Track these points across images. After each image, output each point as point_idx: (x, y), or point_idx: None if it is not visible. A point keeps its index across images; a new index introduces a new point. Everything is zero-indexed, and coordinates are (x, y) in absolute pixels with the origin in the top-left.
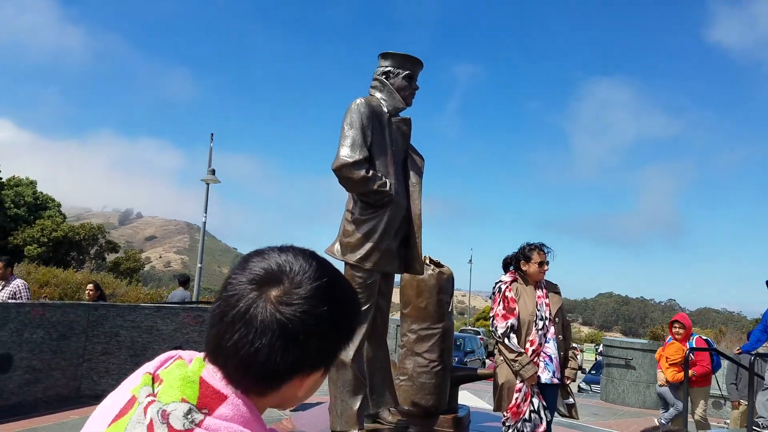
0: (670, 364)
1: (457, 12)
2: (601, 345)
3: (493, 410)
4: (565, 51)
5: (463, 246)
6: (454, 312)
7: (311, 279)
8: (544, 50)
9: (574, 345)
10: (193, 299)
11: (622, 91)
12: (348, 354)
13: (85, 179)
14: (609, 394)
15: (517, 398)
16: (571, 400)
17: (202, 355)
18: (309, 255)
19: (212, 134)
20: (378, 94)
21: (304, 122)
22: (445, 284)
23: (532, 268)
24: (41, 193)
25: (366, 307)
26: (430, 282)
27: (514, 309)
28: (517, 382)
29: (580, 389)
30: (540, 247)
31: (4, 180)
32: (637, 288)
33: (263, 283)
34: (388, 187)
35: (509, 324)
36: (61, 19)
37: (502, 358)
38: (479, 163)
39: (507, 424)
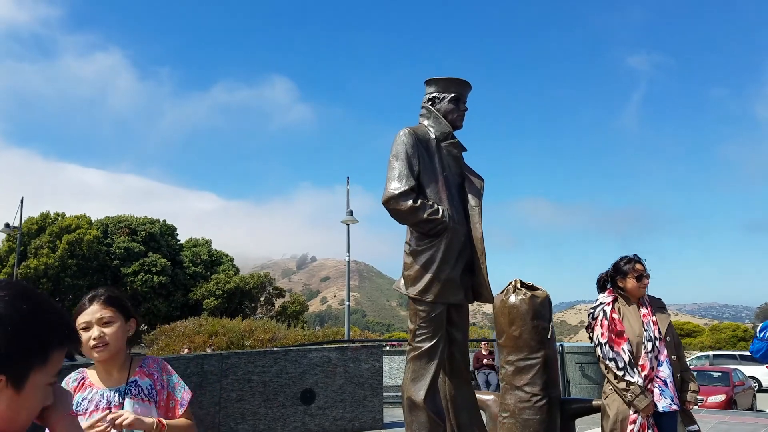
0: None
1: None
2: None
3: None
4: (744, 28)
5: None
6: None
7: None
8: (720, 29)
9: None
10: (344, 336)
11: None
12: (419, 394)
13: (273, 232)
14: None
15: (632, 430)
16: (695, 426)
17: None
18: None
19: (348, 177)
20: (425, 122)
21: (478, 157)
22: (540, 309)
23: (630, 283)
24: (215, 250)
25: (434, 342)
26: (522, 308)
27: (623, 332)
28: (631, 413)
29: None
30: (637, 260)
31: (182, 242)
32: None
33: None
34: (440, 215)
35: (621, 349)
36: (300, 99)
37: (611, 387)
38: (662, 163)
39: None
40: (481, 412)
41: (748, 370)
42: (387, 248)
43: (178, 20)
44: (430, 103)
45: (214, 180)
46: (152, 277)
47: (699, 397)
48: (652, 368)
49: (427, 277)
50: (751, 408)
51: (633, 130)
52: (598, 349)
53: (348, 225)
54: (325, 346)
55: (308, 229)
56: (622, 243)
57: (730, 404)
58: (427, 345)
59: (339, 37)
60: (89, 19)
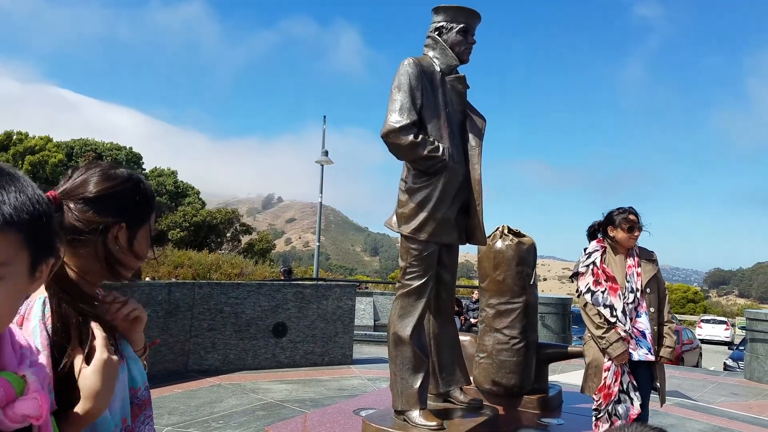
0: None
1: None
2: (744, 318)
3: (580, 391)
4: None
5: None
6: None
7: None
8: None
9: (674, 319)
10: (313, 274)
11: None
12: (406, 330)
13: (248, 171)
14: (753, 372)
15: (606, 378)
16: (657, 384)
17: None
18: None
19: (324, 116)
20: (431, 53)
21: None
22: (525, 255)
23: (620, 234)
24: (182, 182)
25: (423, 280)
26: (507, 253)
27: (606, 280)
28: (605, 360)
29: (726, 367)
30: (630, 211)
31: (147, 171)
32: None
33: None
34: (440, 152)
35: (617, 296)
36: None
37: (589, 334)
38: (655, 127)
39: (599, 408)
40: None
41: None
42: (354, 193)
43: None
44: (437, 32)
45: (223, 120)
46: None
47: None
48: (630, 318)
49: (422, 215)
50: (697, 365)
51: (635, 87)
52: (588, 296)
53: (322, 165)
54: (299, 282)
55: (282, 170)
56: (602, 204)
57: (678, 361)
58: (416, 283)
59: None
60: None
